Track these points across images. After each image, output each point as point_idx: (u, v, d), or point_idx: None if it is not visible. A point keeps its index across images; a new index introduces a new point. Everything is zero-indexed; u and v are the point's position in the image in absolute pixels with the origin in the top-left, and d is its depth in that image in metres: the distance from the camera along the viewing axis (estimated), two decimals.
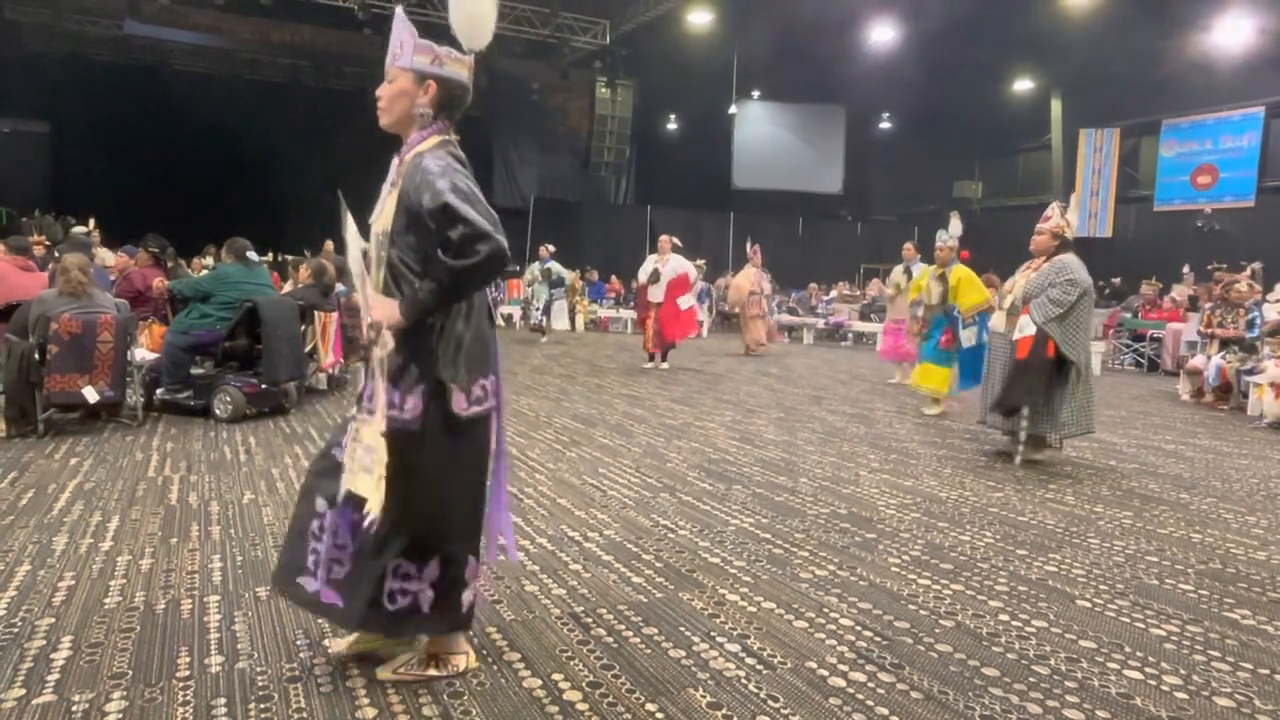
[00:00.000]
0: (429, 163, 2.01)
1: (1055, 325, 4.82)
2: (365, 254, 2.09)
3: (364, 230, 2.12)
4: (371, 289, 2.06)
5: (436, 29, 2.05)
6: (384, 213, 2.08)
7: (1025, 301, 5.01)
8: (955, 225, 6.96)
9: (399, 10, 2.14)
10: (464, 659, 2.23)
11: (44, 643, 2.34)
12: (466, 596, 2.15)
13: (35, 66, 17.08)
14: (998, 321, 5.35)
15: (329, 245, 12.71)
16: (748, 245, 12.43)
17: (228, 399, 5.71)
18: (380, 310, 2.01)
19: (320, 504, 2.14)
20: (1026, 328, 4.92)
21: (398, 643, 2.25)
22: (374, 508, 1.96)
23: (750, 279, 12.01)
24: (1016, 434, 5.06)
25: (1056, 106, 20.16)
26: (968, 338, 6.57)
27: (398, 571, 2.06)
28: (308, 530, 2.15)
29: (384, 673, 2.18)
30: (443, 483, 2.08)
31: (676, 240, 9.79)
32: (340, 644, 2.31)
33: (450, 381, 2.03)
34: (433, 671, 2.18)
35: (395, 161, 2.13)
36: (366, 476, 1.99)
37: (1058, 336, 4.81)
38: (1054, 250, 5.08)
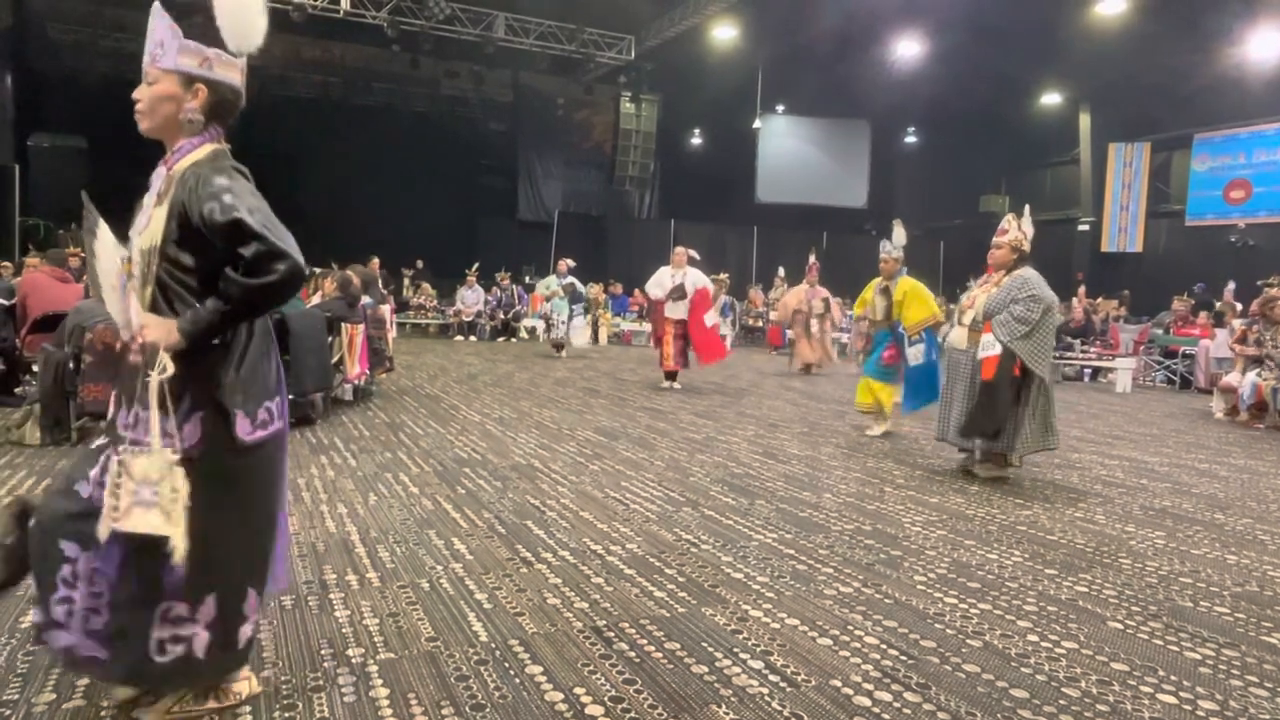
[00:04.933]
0: (212, 175, 1.87)
1: (1021, 343, 4.76)
2: (127, 264, 1.91)
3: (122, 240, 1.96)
4: (138, 307, 1.88)
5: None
6: (150, 227, 1.89)
7: (987, 318, 4.91)
8: (899, 235, 6.56)
9: (156, 6, 1.96)
10: (246, 684, 2.10)
11: None
12: (245, 631, 2.01)
13: (73, 83, 17.51)
14: (958, 338, 5.15)
15: (375, 261, 12.90)
16: (810, 257, 12.06)
17: None
18: (155, 330, 1.84)
19: (69, 548, 1.87)
20: (991, 346, 4.83)
21: None
22: (179, 545, 1.79)
23: (799, 297, 11.68)
24: (973, 452, 5.00)
25: (1085, 120, 19.96)
26: (914, 355, 6.21)
27: (168, 615, 1.88)
28: (56, 578, 1.88)
29: (150, 716, 1.99)
30: (226, 515, 1.92)
31: (694, 253, 9.24)
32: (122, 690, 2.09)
33: (233, 406, 1.90)
34: (211, 704, 2.03)
35: (160, 171, 1.96)
36: (152, 513, 1.79)
37: (1024, 354, 4.76)
38: (1013, 264, 5.00)
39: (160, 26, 1.94)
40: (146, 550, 1.82)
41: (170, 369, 1.82)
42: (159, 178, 1.95)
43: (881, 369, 6.51)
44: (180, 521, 1.79)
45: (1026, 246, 5.03)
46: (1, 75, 16.06)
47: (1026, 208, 5.38)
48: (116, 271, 1.88)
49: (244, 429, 1.92)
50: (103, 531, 1.82)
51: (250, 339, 1.96)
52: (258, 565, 2.05)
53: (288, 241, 1.84)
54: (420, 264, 17.93)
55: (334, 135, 18.87)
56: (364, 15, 15.24)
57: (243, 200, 1.83)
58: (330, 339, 6.62)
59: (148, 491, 1.80)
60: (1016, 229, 5.04)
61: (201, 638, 1.92)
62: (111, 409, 1.94)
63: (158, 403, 1.81)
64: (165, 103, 1.94)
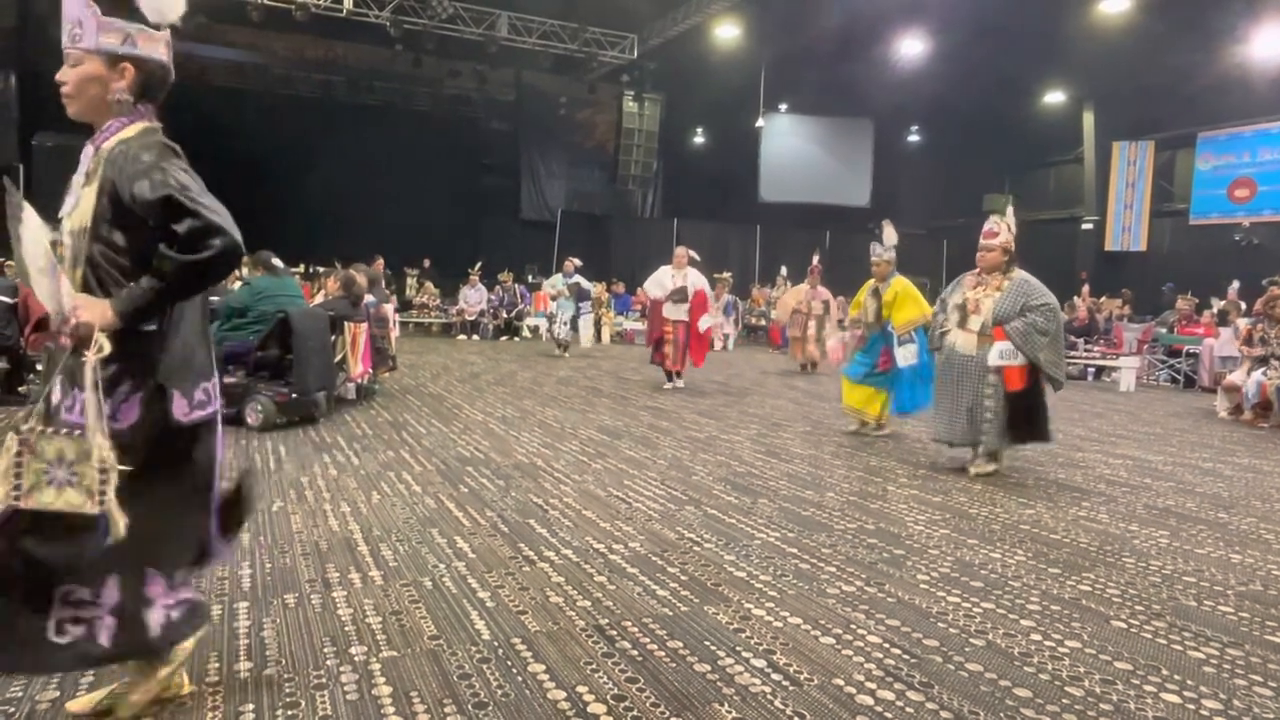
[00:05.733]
0: (140, 152, 1.84)
1: (1044, 355, 4.84)
2: (56, 247, 1.87)
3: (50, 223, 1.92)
4: (69, 288, 1.83)
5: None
6: (80, 207, 1.87)
7: (997, 324, 4.90)
8: (889, 235, 6.50)
9: None
10: (177, 676, 2.06)
11: None
12: (154, 618, 1.92)
13: None
14: (965, 343, 5.08)
15: (380, 261, 12.91)
16: (814, 259, 11.98)
17: (259, 408, 5.79)
18: (89, 311, 1.79)
19: None
20: (1012, 356, 4.84)
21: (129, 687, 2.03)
22: (116, 518, 1.75)
23: (799, 296, 11.68)
24: (975, 446, 5.05)
25: (1089, 119, 19.91)
26: (904, 356, 6.14)
27: (69, 599, 1.82)
28: None
29: (77, 706, 1.99)
30: (147, 497, 1.86)
31: (694, 254, 9.15)
32: (80, 703, 2.04)
33: (170, 386, 1.88)
34: (137, 697, 1.99)
35: (89, 150, 1.92)
36: (69, 491, 1.74)
37: (1047, 365, 4.86)
38: (1005, 266, 5.01)
39: (75, 4, 1.88)
40: (44, 530, 1.76)
41: (107, 349, 1.78)
42: (87, 157, 1.91)
43: (874, 375, 6.43)
44: (111, 498, 1.74)
45: (1013, 246, 5.04)
46: (5, 75, 16.09)
47: (1009, 206, 5.34)
48: (45, 254, 1.83)
49: (181, 409, 1.90)
50: None
51: (184, 318, 1.93)
52: (176, 550, 2.00)
53: (223, 216, 1.80)
54: (427, 263, 17.96)
55: (336, 134, 18.87)
56: (367, 14, 15.25)
57: (174, 176, 1.80)
58: (333, 338, 6.63)
59: (62, 472, 1.75)
60: (1006, 230, 5.02)
61: (106, 622, 1.85)
62: (57, 394, 1.84)
63: (93, 384, 1.77)
64: (92, 84, 1.89)
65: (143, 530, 1.87)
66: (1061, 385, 5.02)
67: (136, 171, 1.80)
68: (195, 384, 1.94)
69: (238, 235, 1.81)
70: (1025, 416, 4.96)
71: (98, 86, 1.90)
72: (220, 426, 2.07)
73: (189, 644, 2.07)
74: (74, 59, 1.90)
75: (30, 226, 1.84)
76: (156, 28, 1.94)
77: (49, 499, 1.74)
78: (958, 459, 5.41)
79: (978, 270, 5.16)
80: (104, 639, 1.85)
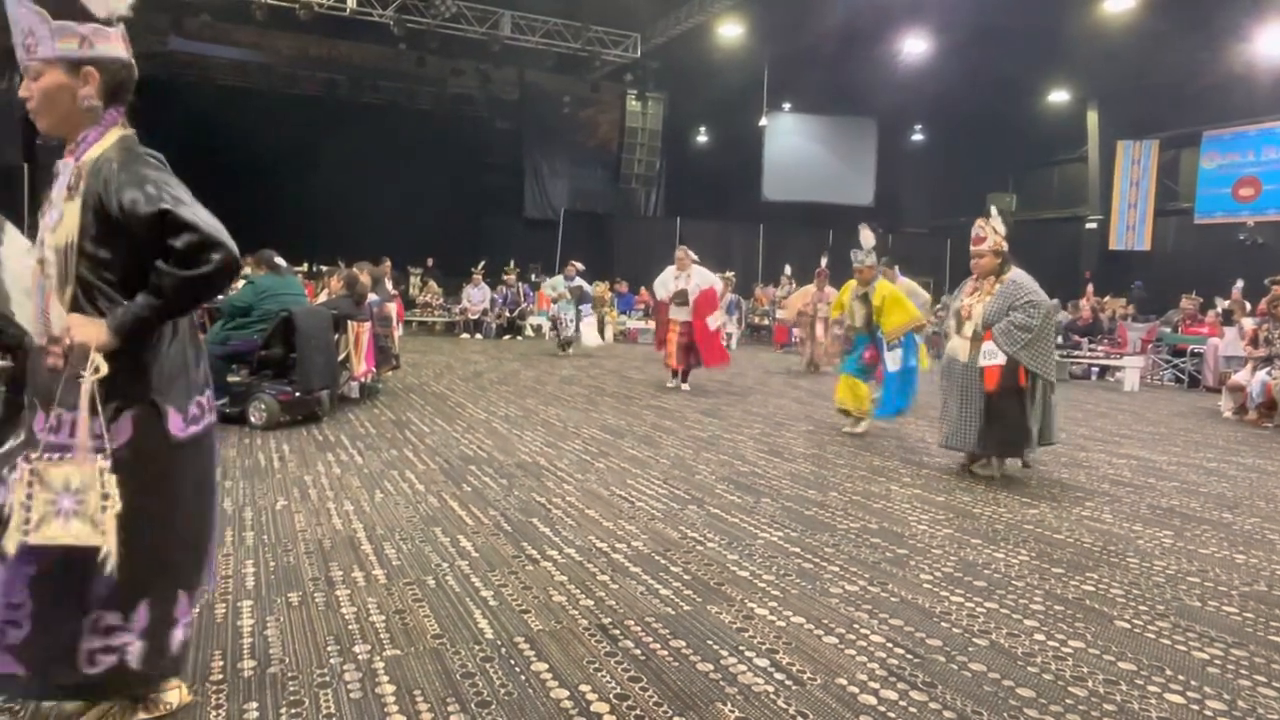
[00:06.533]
0: (126, 163, 1.79)
1: (1025, 352, 4.75)
2: (42, 266, 1.80)
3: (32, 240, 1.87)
4: (59, 308, 1.77)
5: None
6: (64, 223, 1.78)
7: (987, 327, 4.88)
8: (866, 238, 6.43)
9: None
10: (176, 694, 2.01)
11: None
12: (177, 636, 1.92)
13: None
14: (960, 349, 5.05)
15: (388, 263, 12.91)
16: (821, 262, 11.88)
17: (262, 407, 5.80)
18: (84, 330, 1.74)
19: None
20: (993, 355, 4.81)
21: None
22: (111, 554, 1.73)
23: (806, 298, 11.69)
24: (988, 453, 5.00)
25: (1093, 118, 19.86)
26: (892, 361, 6.12)
27: (98, 626, 1.80)
28: None
29: None
30: (161, 517, 1.85)
31: (692, 254, 9.02)
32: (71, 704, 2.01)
33: (164, 402, 1.84)
34: (142, 715, 1.96)
35: (68, 163, 1.84)
36: (75, 522, 1.71)
37: (1028, 362, 4.76)
38: (999, 268, 4.98)
39: (24, 14, 1.78)
40: (70, 559, 1.74)
41: (104, 369, 1.73)
42: (66, 170, 1.84)
43: (862, 367, 6.47)
44: (111, 530, 1.72)
45: (1005, 246, 5.01)
46: (10, 76, 16.13)
47: (993, 208, 5.28)
48: (31, 274, 1.78)
49: (177, 425, 1.86)
50: (9, 545, 1.72)
51: (176, 332, 1.89)
52: (193, 565, 1.99)
53: (219, 229, 1.77)
54: (430, 262, 17.97)
55: (339, 133, 18.89)
56: (370, 13, 15.25)
57: (168, 189, 1.76)
58: (336, 337, 6.64)
59: (69, 501, 1.71)
60: (993, 233, 4.99)
61: (135, 647, 1.84)
62: (39, 419, 1.80)
63: (90, 406, 1.72)
64: (58, 95, 1.81)
65: (167, 552, 1.89)
66: (1052, 380, 4.90)
67: (125, 183, 1.75)
68: (189, 398, 1.91)
69: (235, 248, 1.78)
70: (1002, 422, 4.83)
71: (66, 96, 1.82)
72: (215, 437, 2.04)
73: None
74: (34, 72, 1.81)
75: (13, 247, 1.80)
76: (108, 24, 1.85)
77: (55, 533, 1.71)
78: (958, 458, 5.40)
79: (975, 275, 5.14)
80: (134, 663, 1.84)
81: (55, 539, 1.71)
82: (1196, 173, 18.55)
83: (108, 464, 1.73)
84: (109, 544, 1.72)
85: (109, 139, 1.85)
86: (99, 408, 1.73)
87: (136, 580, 1.82)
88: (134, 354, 1.81)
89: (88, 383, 1.72)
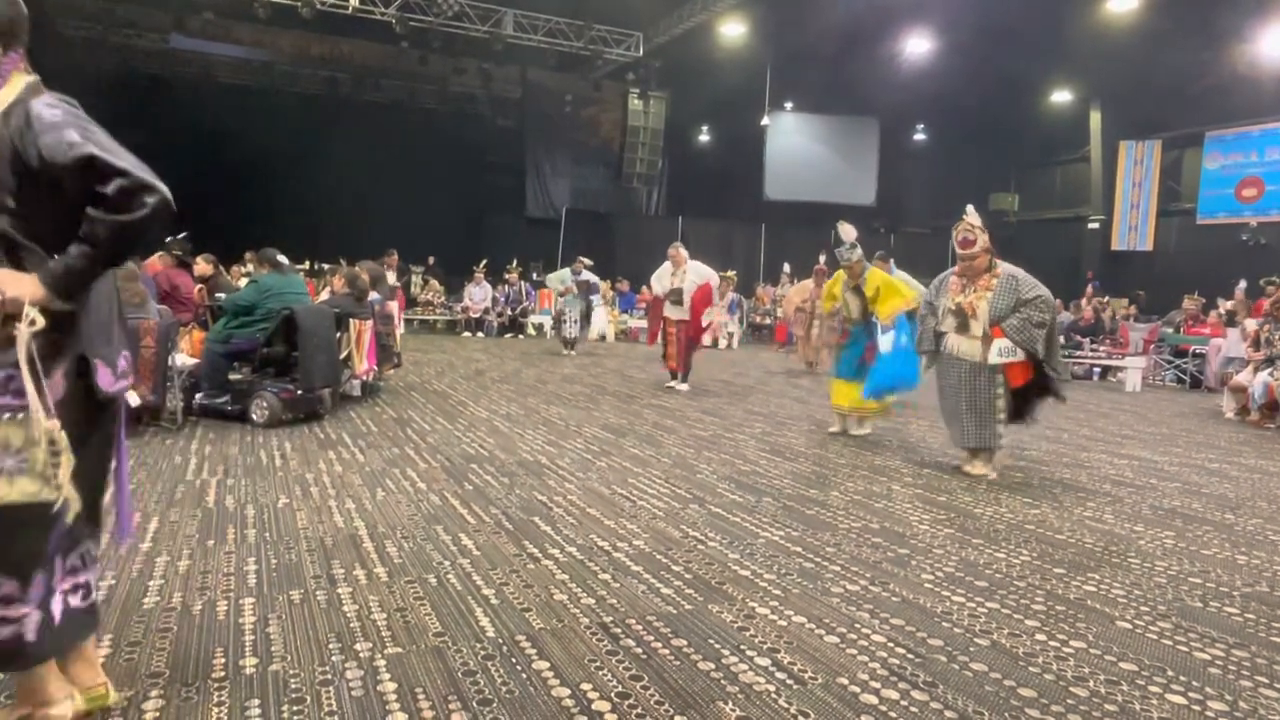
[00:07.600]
0: (40, 110, 1.69)
1: (1042, 345, 4.87)
2: None
3: None
4: None
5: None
6: None
7: (995, 324, 4.90)
8: (847, 232, 6.39)
9: None
10: (69, 705, 1.85)
11: None
12: (55, 606, 1.78)
13: (84, 79, 17.60)
14: (969, 349, 5.02)
15: (394, 255, 12.90)
16: (820, 260, 11.78)
17: (264, 405, 5.81)
18: (15, 286, 1.65)
19: None
20: (1012, 353, 4.86)
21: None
22: (71, 500, 1.68)
23: (804, 294, 11.64)
24: (990, 449, 5.04)
25: (1095, 118, 19.84)
26: (885, 342, 6.06)
27: None
28: None
29: None
30: (86, 475, 1.77)
31: (684, 251, 8.88)
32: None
33: (94, 356, 1.77)
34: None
35: None
36: (22, 480, 1.64)
37: (1047, 359, 4.90)
38: (990, 265, 5.01)
39: None
40: None
41: (40, 322, 1.65)
42: None
43: (860, 368, 6.34)
44: (66, 481, 1.66)
45: (989, 241, 5.06)
46: None
47: (969, 206, 5.25)
48: None
49: (106, 380, 1.80)
50: None
51: (100, 286, 1.82)
52: (93, 523, 1.92)
53: (149, 173, 1.70)
54: (431, 261, 17.98)
55: (341, 131, 18.91)
56: (372, 11, 15.25)
57: (91, 135, 1.68)
58: (338, 335, 6.64)
59: (10, 460, 1.64)
60: (980, 232, 4.99)
61: (33, 619, 1.72)
62: None
63: (28, 360, 1.64)
64: None
65: (84, 510, 1.79)
66: (1064, 374, 5.05)
67: (43, 129, 1.66)
68: (117, 352, 1.84)
69: (167, 191, 1.71)
70: (1026, 405, 5.07)
71: None
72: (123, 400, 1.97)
73: (91, 648, 1.96)
74: None
75: None
76: None
77: (1, 493, 1.63)
78: (960, 457, 5.40)
79: (958, 271, 5.12)
80: (31, 634, 1.72)
81: (3, 499, 1.63)
82: (1199, 173, 18.53)
83: (56, 422, 1.66)
84: (65, 494, 1.67)
85: (16, 84, 1.74)
86: (37, 363, 1.66)
87: (43, 544, 1.72)
88: (68, 308, 1.72)
89: (24, 337, 1.64)
